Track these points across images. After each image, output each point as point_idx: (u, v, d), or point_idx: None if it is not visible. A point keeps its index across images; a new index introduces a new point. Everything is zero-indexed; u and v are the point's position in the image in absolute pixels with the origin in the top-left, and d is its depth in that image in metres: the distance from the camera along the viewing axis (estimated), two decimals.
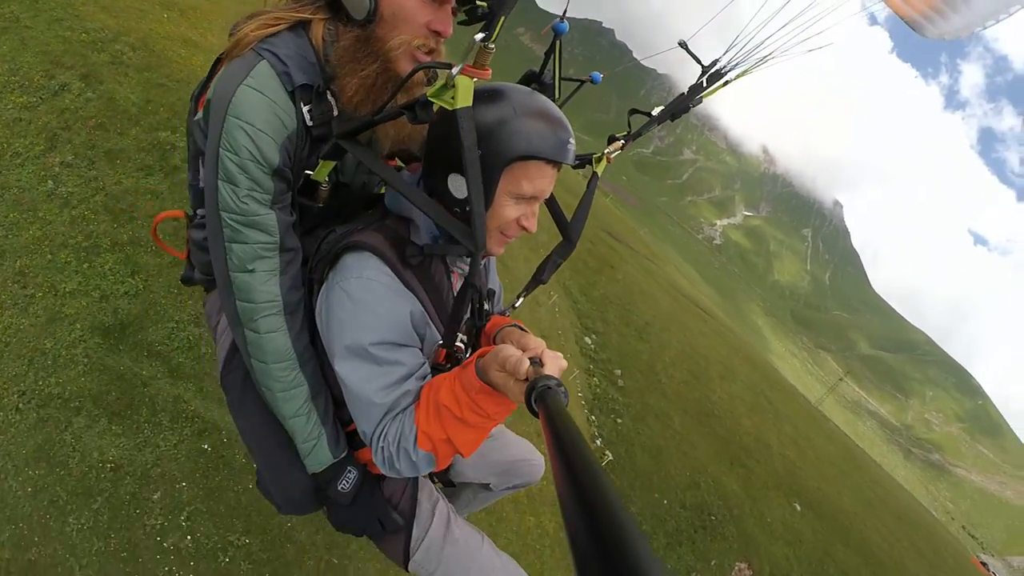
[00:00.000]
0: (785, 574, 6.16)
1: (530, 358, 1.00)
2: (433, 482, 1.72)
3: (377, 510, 1.42)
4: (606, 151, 1.68)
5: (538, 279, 1.63)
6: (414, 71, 1.08)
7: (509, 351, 1.03)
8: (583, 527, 0.42)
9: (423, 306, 1.25)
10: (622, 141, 1.69)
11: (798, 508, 7.94)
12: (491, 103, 1.18)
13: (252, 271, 1.20)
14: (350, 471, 1.36)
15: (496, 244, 1.30)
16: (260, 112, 1.13)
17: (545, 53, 1.60)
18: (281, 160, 1.17)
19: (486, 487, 1.91)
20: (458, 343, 1.28)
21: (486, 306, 1.36)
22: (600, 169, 1.67)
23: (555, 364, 1.06)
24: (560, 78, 1.62)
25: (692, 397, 8.54)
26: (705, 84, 1.65)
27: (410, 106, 1.07)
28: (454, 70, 1.01)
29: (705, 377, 10.01)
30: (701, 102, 1.71)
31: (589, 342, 7.40)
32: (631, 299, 10.67)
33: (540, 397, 0.80)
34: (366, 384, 1.18)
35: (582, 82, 1.68)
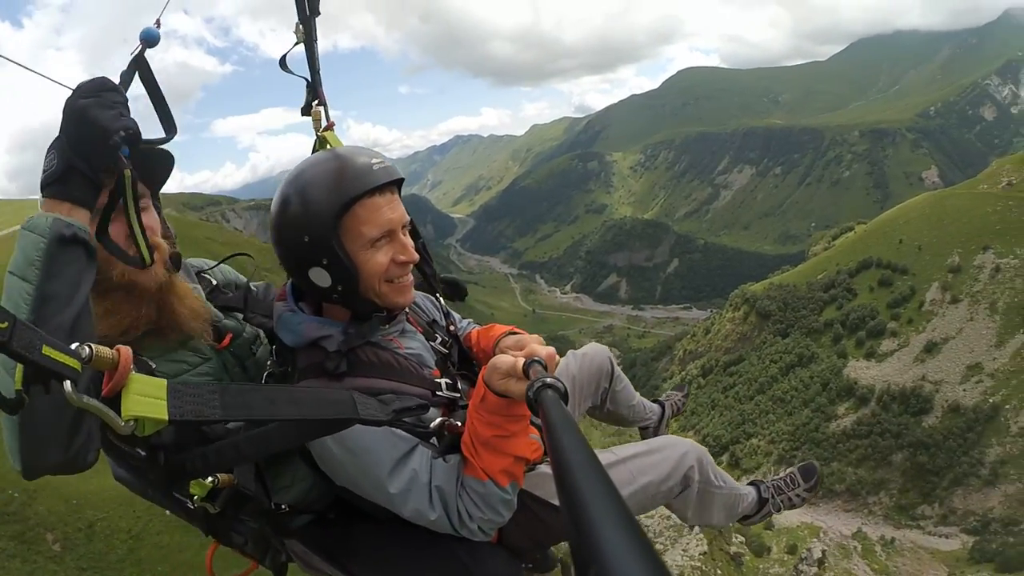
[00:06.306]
0: None
1: (531, 360, 1.05)
2: None
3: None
4: (322, 131, 1.76)
5: (420, 269, 1.60)
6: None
7: (501, 359, 1.11)
8: (583, 526, 0.41)
9: (389, 392, 1.24)
10: (318, 104, 1.80)
11: None
12: (287, 199, 1.19)
13: None
14: None
15: (396, 294, 1.27)
16: None
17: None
18: None
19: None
20: (442, 393, 1.31)
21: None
22: (335, 141, 1.72)
23: (551, 361, 1.10)
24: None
25: None
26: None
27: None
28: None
29: None
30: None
31: None
32: None
33: (538, 396, 0.83)
34: (416, 512, 1.20)
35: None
